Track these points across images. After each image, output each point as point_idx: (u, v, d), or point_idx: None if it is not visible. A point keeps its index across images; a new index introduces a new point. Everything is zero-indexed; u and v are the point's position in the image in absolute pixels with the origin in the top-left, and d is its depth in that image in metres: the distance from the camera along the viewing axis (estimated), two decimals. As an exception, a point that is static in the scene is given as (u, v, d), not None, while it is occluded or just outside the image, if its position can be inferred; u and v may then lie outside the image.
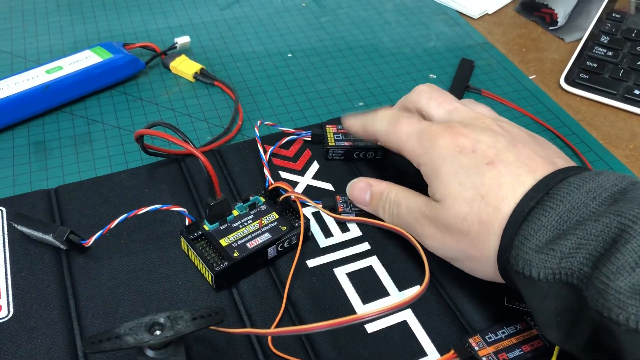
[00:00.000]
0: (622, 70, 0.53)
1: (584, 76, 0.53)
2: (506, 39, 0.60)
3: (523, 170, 0.31)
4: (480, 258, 0.31)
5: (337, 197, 0.40)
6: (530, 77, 0.55)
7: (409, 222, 0.35)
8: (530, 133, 0.35)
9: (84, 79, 0.48)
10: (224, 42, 0.57)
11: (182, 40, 0.54)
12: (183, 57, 0.53)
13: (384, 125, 0.37)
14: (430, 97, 0.37)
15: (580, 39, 0.58)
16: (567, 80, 0.54)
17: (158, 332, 0.27)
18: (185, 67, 0.52)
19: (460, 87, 0.52)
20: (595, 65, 0.54)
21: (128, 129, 0.47)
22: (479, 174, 0.31)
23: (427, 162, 0.33)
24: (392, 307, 0.27)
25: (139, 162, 0.44)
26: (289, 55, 0.56)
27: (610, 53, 0.55)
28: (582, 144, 0.48)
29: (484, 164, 0.31)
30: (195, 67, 0.52)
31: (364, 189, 0.38)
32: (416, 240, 0.34)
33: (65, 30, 0.57)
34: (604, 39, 0.56)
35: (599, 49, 0.56)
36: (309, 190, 0.41)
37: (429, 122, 0.35)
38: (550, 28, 0.61)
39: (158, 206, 0.35)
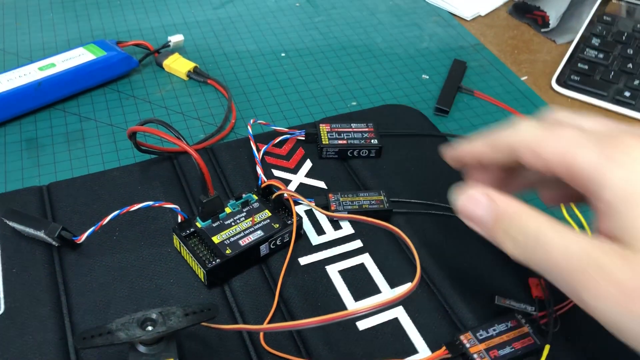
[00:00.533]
0: (612, 73, 0.54)
1: (575, 78, 0.54)
2: (498, 41, 0.60)
3: None
4: None
5: (330, 194, 0.40)
6: (522, 79, 0.55)
7: (566, 268, 0.24)
8: None
9: (76, 77, 0.48)
10: (218, 40, 0.57)
11: (175, 38, 0.54)
12: (176, 55, 0.53)
13: (531, 130, 0.27)
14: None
15: (572, 41, 0.58)
16: (559, 81, 0.54)
17: (150, 328, 0.27)
18: (178, 65, 0.52)
19: (452, 87, 0.52)
20: (587, 67, 0.55)
21: (121, 126, 0.47)
22: None
23: (616, 183, 0.23)
24: (383, 303, 0.27)
25: (132, 160, 0.44)
26: (283, 54, 0.56)
27: (601, 55, 0.56)
28: (573, 144, 0.48)
29: None
30: (189, 65, 0.52)
31: (482, 204, 0.28)
32: (406, 236, 0.33)
33: (58, 27, 0.57)
34: (595, 41, 0.57)
35: (590, 51, 0.56)
36: (302, 189, 0.42)
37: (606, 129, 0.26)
38: (542, 30, 0.62)
39: (150, 203, 0.35)
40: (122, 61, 0.50)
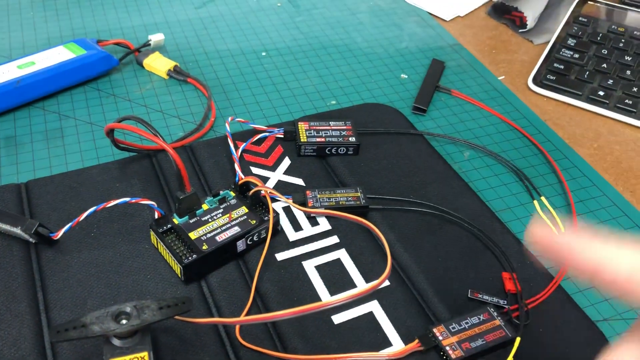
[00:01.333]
0: (587, 72, 0.55)
1: (551, 77, 0.55)
2: (477, 41, 0.61)
3: None
4: None
5: (307, 191, 0.40)
6: (500, 78, 0.56)
7: None
8: None
9: (56, 75, 0.48)
10: (199, 40, 0.57)
11: (156, 37, 0.54)
12: (157, 54, 0.53)
13: None
14: None
15: (548, 42, 0.59)
16: (535, 81, 0.55)
17: (124, 321, 0.27)
18: (158, 64, 0.52)
19: (430, 87, 0.53)
20: (562, 67, 0.56)
21: (100, 124, 0.47)
22: None
23: None
24: (356, 295, 0.28)
25: (111, 158, 0.44)
26: (263, 54, 0.56)
27: (576, 55, 0.57)
28: (548, 142, 0.49)
29: None
30: (169, 64, 0.52)
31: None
32: (378, 230, 0.34)
33: (38, 26, 0.57)
34: (571, 41, 0.58)
35: (566, 51, 0.57)
36: (280, 186, 0.42)
37: None
38: (520, 31, 0.63)
39: (127, 199, 0.35)
40: (102, 60, 0.50)
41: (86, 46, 0.51)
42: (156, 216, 0.36)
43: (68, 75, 0.49)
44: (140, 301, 0.28)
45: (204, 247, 0.35)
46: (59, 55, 0.49)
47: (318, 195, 0.40)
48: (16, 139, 0.45)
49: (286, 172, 0.43)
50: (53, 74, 0.48)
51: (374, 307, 0.35)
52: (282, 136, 0.45)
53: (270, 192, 0.38)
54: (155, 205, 0.36)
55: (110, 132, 0.39)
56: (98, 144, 0.45)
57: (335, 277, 0.36)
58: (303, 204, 0.40)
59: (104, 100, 0.49)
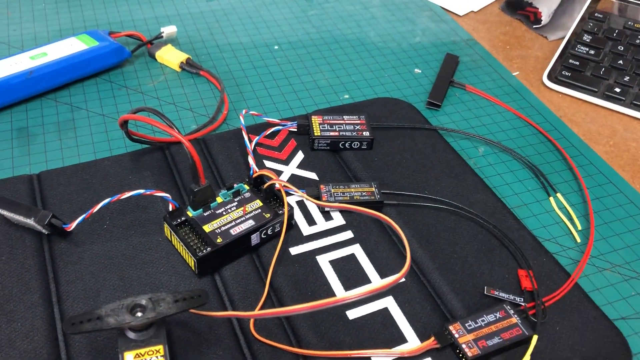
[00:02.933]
0: (603, 69, 0.54)
1: (566, 74, 0.54)
2: (490, 36, 0.61)
3: None
4: None
5: (321, 186, 0.40)
6: (514, 74, 0.56)
7: None
8: None
9: (68, 66, 0.48)
10: (211, 32, 0.57)
11: (168, 29, 0.54)
12: (169, 46, 0.53)
13: None
14: None
15: (563, 38, 0.59)
16: (550, 77, 0.55)
17: (139, 314, 0.27)
18: (171, 56, 0.52)
19: (444, 82, 0.52)
20: (578, 63, 0.55)
21: (112, 116, 0.47)
22: None
23: None
24: (371, 291, 0.28)
25: (123, 150, 0.44)
26: (276, 47, 0.56)
27: (592, 52, 0.56)
28: (564, 139, 0.49)
29: None
30: (182, 56, 0.52)
31: None
32: (397, 225, 0.33)
33: (50, 17, 0.57)
34: (587, 37, 0.57)
35: (581, 47, 0.56)
36: (294, 180, 0.42)
37: None
38: (534, 26, 0.62)
39: (141, 191, 0.35)
40: (114, 51, 0.50)
41: (98, 38, 0.50)
42: (170, 208, 0.36)
43: (80, 67, 0.49)
44: (156, 294, 0.28)
45: (218, 240, 0.35)
46: (71, 46, 0.49)
47: (332, 190, 0.40)
48: (28, 130, 0.45)
49: (299, 166, 0.43)
50: (65, 65, 0.48)
51: (389, 303, 0.35)
52: (296, 130, 0.45)
53: (284, 186, 0.38)
54: (170, 198, 0.36)
55: (124, 124, 0.38)
56: (110, 136, 0.45)
57: (350, 272, 0.36)
58: (317, 198, 0.39)
59: (116, 92, 0.49)
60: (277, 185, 0.38)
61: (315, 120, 0.45)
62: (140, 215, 0.38)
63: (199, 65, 0.52)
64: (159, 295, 0.28)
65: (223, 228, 0.35)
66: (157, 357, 0.27)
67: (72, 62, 0.48)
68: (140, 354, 0.27)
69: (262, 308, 0.34)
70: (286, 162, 0.43)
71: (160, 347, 0.27)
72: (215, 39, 0.56)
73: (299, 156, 0.43)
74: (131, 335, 0.28)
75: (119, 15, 0.58)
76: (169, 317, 0.32)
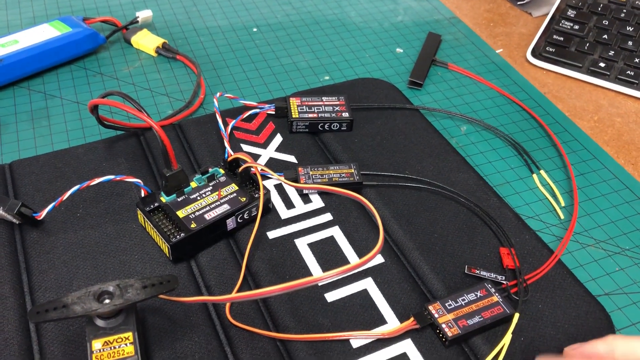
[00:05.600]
0: (587, 44, 0.53)
1: (551, 49, 0.53)
2: (474, 14, 0.60)
3: None
4: None
5: (300, 168, 0.39)
6: (498, 51, 0.55)
7: None
8: None
9: (40, 53, 0.47)
10: (188, 16, 0.56)
11: (143, 14, 0.53)
12: (145, 31, 0.52)
13: None
14: None
15: (548, 14, 0.58)
16: (534, 53, 0.54)
17: (107, 301, 0.27)
18: (147, 41, 0.51)
19: (426, 61, 0.52)
20: (562, 38, 0.54)
21: (87, 103, 0.46)
22: None
23: None
24: (347, 270, 0.27)
25: (98, 137, 0.43)
26: (254, 29, 0.55)
27: (576, 27, 0.55)
28: (548, 116, 0.48)
29: None
30: (158, 41, 0.51)
31: None
32: (370, 204, 0.32)
33: (23, 4, 0.56)
34: (571, 13, 0.56)
35: (566, 22, 0.56)
36: (272, 163, 0.41)
37: None
38: (519, 3, 0.61)
39: (111, 177, 0.34)
40: (88, 38, 0.49)
41: (72, 24, 0.49)
42: (142, 194, 0.35)
43: (53, 54, 0.47)
44: (124, 280, 0.27)
45: (192, 226, 0.34)
46: (44, 33, 0.48)
47: (310, 172, 0.39)
48: (0, 120, 0.44)
49: (278, 149, 0.42)
50: (37, 52, 0.47)
51: (368, 284, 0.34)
52: (274, 112, 0.44)
53: (259, 169, 0.37)
54: (141, 183, 0.35)
55: (94, 109, 0.37)
56: (85, 124, 0.44)
57: (329, 254, 0.35)
58: (295, 180, 0.39)
59: (91, 79, 0.48)
60: (252, 169, 0.37)
61: (294, 102, 0.44)
62: (114, 202, 0.37)
63: (175, 50, 0.50)
64: (127, 282, 0.27)
65: (197, 213, 0.35)
66: (126, 344, 0.26)
67: (44, 49, 0.47)
68: (109, 341, 0.26)
69: (238, 292, 0.33)
70: (264, 145, 0.42)
71: (129, 334, 0.27)
72: (192, 22, 0.55)
73: (278, 139, 0.43)
74: (100, 322, 0.27)
75: (94, 0, 0.57)
76: (142, 304, 0.31)
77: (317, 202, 0.39)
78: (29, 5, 0.56)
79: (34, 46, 0.47)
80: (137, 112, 0.34)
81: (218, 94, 0.42)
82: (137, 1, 0.57)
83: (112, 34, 0.51)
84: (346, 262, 0.35)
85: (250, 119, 0.44)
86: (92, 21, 0.52)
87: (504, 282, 0.34)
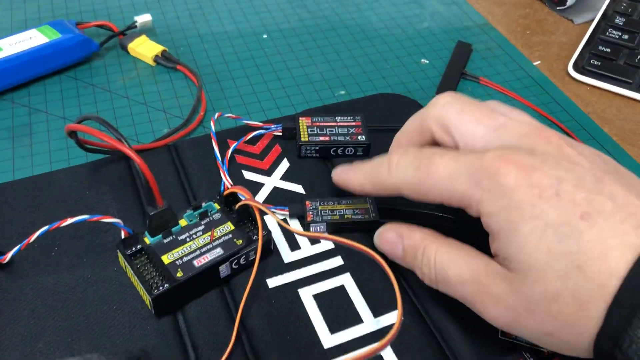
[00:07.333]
0: (638, 56, 0.47)
1: (596, 62, 0.47)
2: (508, 20, 0.54)
3: (629, 226, 0.23)
4: (570, 339, 0.24)
5: (307, 202, 0.34)
6: (535, 63, 0.49)
7: (464, 296, 0.27)
8: (597, 151, 0.27)
9: (26, 62, 0.42)
10: (192, 20, 0.51)
11: (142, 18, 0.48)
12: (143, 37, 0.47)
13: (408, 173, 0.27)
14: (462, 111, 0.28)
15: (592, 21, 0.52)
16: (576, 67, 0.48)
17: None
18: (145, 49, 0.46)
19: (455, 73, 0.46)
20: (609, 50, 0.48)
21: (74, 119, 0.41)
22: (573, 234, 0.23)
23: (494, 211, 0.24)
24: (363, 355, 0.22)
25: (83, 159, 0.38)
26: (264, 36, 0.50)
27: (625, 36, 0.49)
28: (593, 140, 0.42)
29: (577, 218, 0.23)
30: (157, 49, 0.46)
31: (395, 243, 0.29)
32: (385, 264, 0.28)
33: (15, 6, 0.51)
34: (619, 20, 0.50)
35: (613, 31, 0.49)
36: (277, 194, 0.36)
37: (474, 152, 0.26)
38: (558, 8, 0.55)
39: (85, 217, 0.29)
40: (79, 45, 0.44)
41: (62, 29, 0.45)
42: (123, 235, 0.30)
43: (40, 63, 0.43)
44: (85, 356, 0.22)
45: (179, 275, 0.29)
46: (31, 39, 0.43)
47: (319, 207, 0.34)
48: (-22, 137, 0.39)
49: (284, 178, 0.37)
50: (22, 61, 0.42)
51: (384, 351, 0.29)
52: (281, 134, 0.39)
53: (259, 207, 0.31)
54: (121, 224, 0.30)
55: (72, 134, 0.33)
56: (70, 143, 0.39)
57: (337, 309, 0.30)
58: (302, 217, 0.34)
59: (81, 91, 0.43)
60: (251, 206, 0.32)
61: (303, 122, 0.39)
62: (95, 239, 0.33)
63: (176, 59, 0.46)
64: (88, 359, 0.22)
65: (185, 259, 0.30)
66: None
67: (30, 58, 0.42)
68: None
69: (230, 355, 0.28)
70: (268, 172, 0.37)
71: None
72: (196, 27, 0.50)
73: (284, 165, 0.38)
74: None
75: (91, 2, 0.52)
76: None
77: (326, 242, 0.33)
78: (21, 7, 0.51)
79: (19, 54, 0.42)
80: (116, 142, 0.29)
81: (216, 115, 0.37)
82: (137, 3, 0.52)
83: (107, 40, 0.47)
84: (358, 319, 0.30)
85: (254, 140, 0.39)
86: (86, 26, 0.47)
87: (544, 349, 0.29)
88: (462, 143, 0.28)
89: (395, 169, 0.28)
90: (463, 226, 0.31)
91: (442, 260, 0.27)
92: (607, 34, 0.49)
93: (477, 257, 0.26)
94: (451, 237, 0.28)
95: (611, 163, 0.26)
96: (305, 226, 0.33)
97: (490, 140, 0.27)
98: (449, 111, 0.28)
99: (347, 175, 0.31)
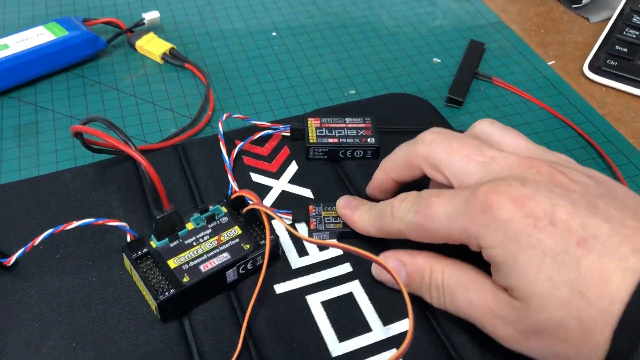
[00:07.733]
0: (656, 57, 0.46)
1: (612, 63, 0.46)
2: (522, 18, 0.53)
3: (626, 249, 0.23)
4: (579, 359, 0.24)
5: (311, 207, 0.33)
6: (549, 63, 0.48)
7: (473, 317, 0.27)
8: (590, 171, 0.27)
9: (33, 60, 0.42)
10: (201, 17, 0.50)
11: (150, 15, 0.47)
12: (151, 34, 0.46)
13: (409, 216, 0.28)
14: (450, 150, 0.28)
15: (608, 19, 0.51)
16: (592, 67, 0.47)
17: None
18: (152, 46, 0.45)
19: (468, 73, 0.45)
20: (626, 50, 0.47)
21: (81, 117, 0.41)
22: (571, 261, 0.23)
23: (493, 245, 0.25)
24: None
25: (90, 159, 0.38)
26: (274, 34, 0.49)
27: (642, 36, 0.48)
28: (609, 143, 0.41)
29: (574, 245, 0.23)
30: (165, 46, 0.45)
31: (398, 270, 0.29)
32: (395, 273, 0.27)
33: (23, 3, 0.51)
34: (637, 19, 0.49)
35: (630, 30, 0.48)
36: (285, 197, 0.35)
37: (467, 188, 0.26)
38: (574, 6, 0.54)
39: (91, 220, 0.29)
40: (86, 42, 0.44)
41: (69, 26, 0.44)
42: (129, 239, 0.30)
43: (47, 61, 0.43)
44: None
45: (185, 280, 0.29)
46: (38, 37, 0.43)
47: (323, 214, 0.33)
48: (-16, 136, 0.39)
49: (292, 181, 0.36)
50: (29, 59, 0.42)
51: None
52: (289, 134, 0.38)
53: (266, 211, 0.31)
54: (127, 227, 0.30)
55: (77, 135, 0.32)
56: (76, 142, 0.38)
57: (346, 317, 0.30)
58: (306, 222, 0.33)
59: (88, 90, 0.43)
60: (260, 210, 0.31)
61: (312, 123, 0.38)
62: (100, 242, 0.32)
63: (184, 57, 0.45)
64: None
65: (192, 263, 0.29)
66: None
67: (37, 56, 0.42)
68: None
69: (236, 362, 0.28)
70: (276, 175, 0.36)
71: None
72: (205, 24, 0.50)
73: (292, 168, 0.37)
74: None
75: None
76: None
77: (334, 249, 0.33)
78: (28, 4, 0.51)
79: (26, 52, 0.42)
80: (122, 144, 0.28)
81: (224, 116, 0.37)
82: (146, 0, 0.52)
83: (115, 37, 0.46)
84: (367, 328, 0.29)
85: (262, 141, 0.38)
86: (93, 23, 0.47)
87: (559, 360, 0.28)
88: (455, 181, 0.28)
89: (397, 214, 0.29)
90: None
91: (450, 282, 0.27)
92: (624, 33, 0.48)
93: (483, 280, 0.26)
94: (454, 258, 0.28)
95: (605, 183, 0.26)
96: (309, 234, 0.33)
97: (483, 175, 0.27)
98: (437, 150, 0.28)
99: (353, 218, 0.32)
